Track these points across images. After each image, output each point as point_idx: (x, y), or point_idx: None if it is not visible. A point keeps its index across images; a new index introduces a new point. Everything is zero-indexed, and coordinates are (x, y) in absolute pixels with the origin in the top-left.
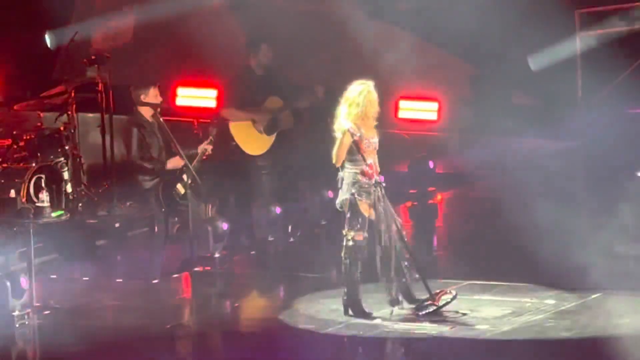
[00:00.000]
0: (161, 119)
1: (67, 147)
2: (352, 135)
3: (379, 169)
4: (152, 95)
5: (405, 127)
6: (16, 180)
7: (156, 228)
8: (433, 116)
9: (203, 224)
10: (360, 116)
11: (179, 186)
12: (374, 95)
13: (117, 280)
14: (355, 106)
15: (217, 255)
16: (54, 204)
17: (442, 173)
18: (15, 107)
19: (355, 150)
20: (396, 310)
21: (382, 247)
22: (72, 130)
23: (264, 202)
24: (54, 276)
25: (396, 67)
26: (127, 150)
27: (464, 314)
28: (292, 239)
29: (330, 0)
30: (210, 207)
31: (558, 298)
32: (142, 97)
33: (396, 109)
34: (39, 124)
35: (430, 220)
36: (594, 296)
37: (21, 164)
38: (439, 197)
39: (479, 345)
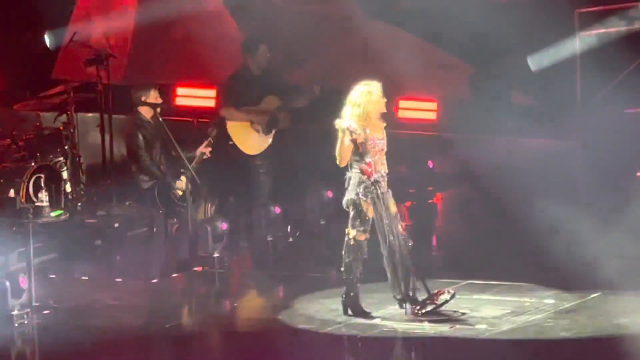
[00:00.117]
0: (160, 120)
1: (66, 147)
2: (352, 133)
3: (386, 170)
4: (153, 96)
5: (404, 127)
6: (15, 180)
7: (155, 228)
8: (432, 116)
9: (202, 224)
10: (362, 116)
11: (178, 187)
12: (375, 96)
13: (117, 279)
14: (356, 107)
15: (216, 255)
16: (53, 204)
17: (441, 173)
18: (14, 107)
19: (364, 150)
20: (395, 310)
21: (387, 247)
22: (72, 130)
23: (263, 202)
24: (53, 276)
25: (396, 68)
26: (130, 152)
27: (463, 314)
28: (291, 239)
29: (330, 0)
30: (209, 207)
31: (557, 298)
32: (142, 97)
33: (395, 109)
34: (38, 123)
35: (429, 220)
36: (593, 296)
37: (20, 164)
38: (438, 197)
39: (478, 344)
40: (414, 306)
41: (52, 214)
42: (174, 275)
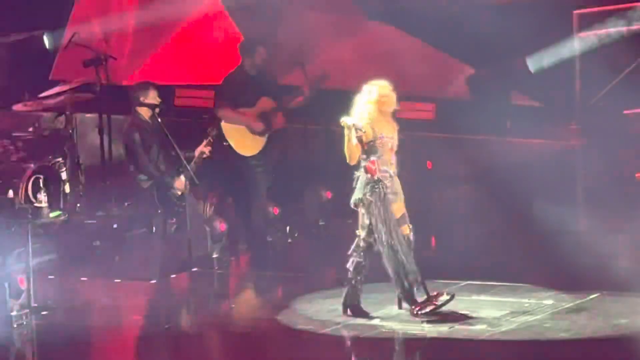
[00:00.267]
0: (159, 120)
1: (65, 148)
2: (357, 130)
3: (395, 169)
4: (152, 97)
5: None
6: (14, 181)
7: (154, 228)
8: (429, 116)
9: (201, 225)
10: (371, 115)
11: (177, 186)
12: (382, 96)
13: (115, 280)
14: (365, 105)
15: (215, 255)
16: (52, 205)
17: (440, 173)
18: (13, 108)
19: (373, 150)
20: (395, 310)
21: (388, 246)
22: (71, 131)
23: (261, 201)
24: (52, 276)
25: (396, 68)
26: (127, 152)
27: (462, 315)
28: (290, 240)
29: (329, 1)
30: (208, 207)
31: (556, 299)
32: (141, 98)
33: None
34: (37, 124)
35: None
36: (592, 297)
37: (19, 165)
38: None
39: (477, 345)
40: (413, 307)
41: (51, 215)
42: (173, 275)
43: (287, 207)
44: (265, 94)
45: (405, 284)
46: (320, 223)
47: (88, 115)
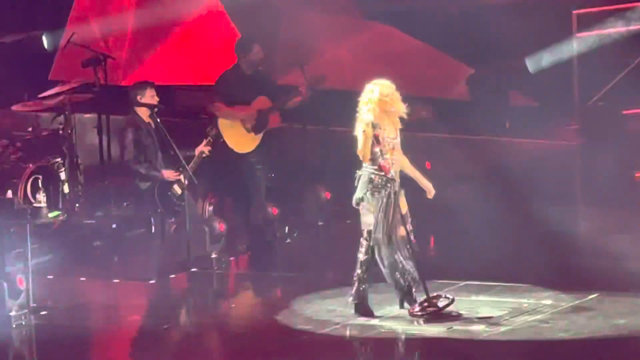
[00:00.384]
0: (158, 120)
1: (64, 148)
2: (374, 127)
3: (396, 169)
4: (149, 96)
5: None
6: (13, 181)
7: (153, 228)
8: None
9: (200, 225)
10: (374, 115)
11: (176, 186)
12: (383, 95)
13: (114, 280)
14: (367, 105)
15: (213, 255)
16: (51, 205)
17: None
18: (12, 108)
19: (373, 149)
20: (394, 310)
21: (391, 245)
22: (69, 131)
23: (261, 201)
24: (51, 277)
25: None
26: (122, 152)
27: (461, 315)
28: (289, 240)
29: (328, 1)
30: (206, 206)
31: (555, 299)
32: (138, 97)
33: None
34: (36, 124)
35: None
36: (591, 297)
37: (18, 165)
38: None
39: (475, 345)
40: (412, 306)
41: (50, 215)
42: (172, 276)
43: (286, 207)
44: (262, 93)
45: (402, 282)
46: (319, 223)
47: (87, 115)
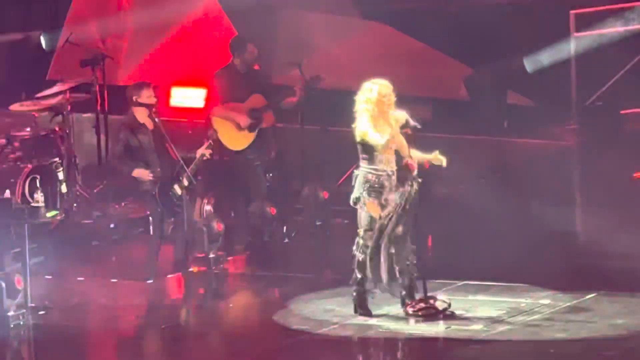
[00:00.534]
0: (157, 120)
1: (62, 148)
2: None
3: (393, 168)
4: (146, 96)
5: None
6: (11, 181)
7: (151, 228)
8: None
9: (198, 225)
10: (371, 115)
11: (176, 187)
12: (382, 95)
13: (112, 280)
14: (364, 104)
15: (211, 255)
16: (49, 204)
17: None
18: (10, 108)
19: (370, 149)
20: (392, 310)
21: (389, 244)
22: (67, 131)
23: (262, 197)
24: (49, 276)
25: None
26: (112, 150)
27: (459, 314)
28: (287, 240)
29: (326, 1)
30: (204, 205)
31: (553, 299)
32: (134, 97)
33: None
34: (34, 124)
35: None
36: (589, 297)
37: (16, 164)
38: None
39: (473, 345)
40: (409, 305)
41: (48, 215)
42: (170, 275)
43: (284, 207)
44: (257, 91)
45: (403, 280)
46: (317, 223)
47: (85, 115)
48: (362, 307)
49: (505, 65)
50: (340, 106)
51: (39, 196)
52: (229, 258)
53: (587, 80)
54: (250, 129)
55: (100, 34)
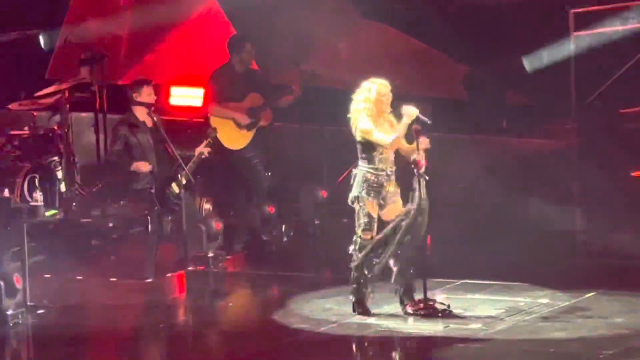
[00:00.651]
0: (156, 118)
1: (61, 147)
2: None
3: (392, 167)
4: (145, 94)
5: None
6: (10, 180)
7: (150, 227)
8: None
9: (197, 223)
10: (369, 114)
11: (174, 185)
12: (380, 94)
13: (111, 279)
14: (362, 103)
15: (210, 254)
16: (48, 204)
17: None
18: (9, 107)
19: (370, 148)
20: (391, 309)
21: (390, 244)
22: (66, 130)
23: (263, 195)
24: (48, 275)
25: (390, 67)
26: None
27: (458, 313)
28: (285, 239)
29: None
30: (203, 204)
31: (552, 297)
32: (134, 95)
33: None
34: (32, 123)
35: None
36: (587, 296)
37: (15, 163)
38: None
39: (472, 344)
40: (408, 304)
41: (47, 214)
42: (169, 274)
43: (283, 206)
44: (255, 90)
45: (402, 278)
46: (316, 222)
47: (84, 114)
48: (361, 306)
49: (504, 65)
50: (340, 106)
51: (38, 195)
52: (228, 257)
53: (586, 80)
54: (249, 127)
55: (99, 33)
